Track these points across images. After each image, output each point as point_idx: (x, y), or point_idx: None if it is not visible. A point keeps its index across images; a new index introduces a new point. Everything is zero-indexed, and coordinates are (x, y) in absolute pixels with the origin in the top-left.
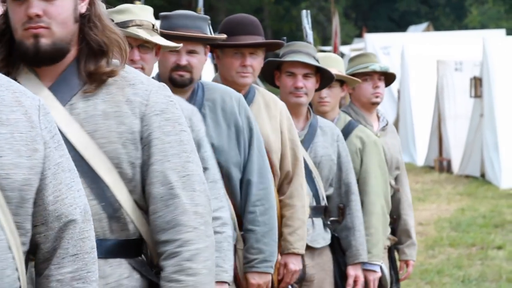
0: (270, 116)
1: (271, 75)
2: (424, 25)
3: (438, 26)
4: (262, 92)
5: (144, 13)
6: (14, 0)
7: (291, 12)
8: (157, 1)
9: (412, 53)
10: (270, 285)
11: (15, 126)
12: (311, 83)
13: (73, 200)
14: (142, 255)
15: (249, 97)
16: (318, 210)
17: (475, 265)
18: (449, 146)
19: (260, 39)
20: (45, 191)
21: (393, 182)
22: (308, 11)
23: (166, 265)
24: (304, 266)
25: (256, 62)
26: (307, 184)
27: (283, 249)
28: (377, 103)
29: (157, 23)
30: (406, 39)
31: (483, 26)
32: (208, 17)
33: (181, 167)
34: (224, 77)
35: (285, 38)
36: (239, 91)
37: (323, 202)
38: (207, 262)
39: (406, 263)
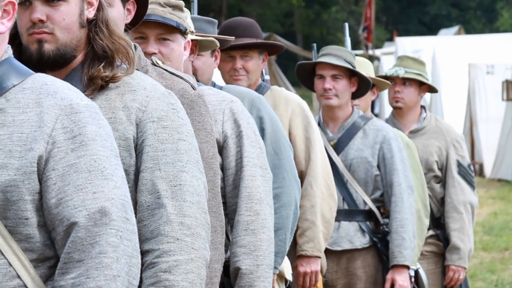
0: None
1: (309, 80)
2: (455, 28)
3: (469, 29)
4: (276, 93)
5: None
6: (20, 5)
7: (322, 16)
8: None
9: (443, 56)
10: (275, 284)
11: (19, 126)
12: (341, 85)
13: (80, 202)
14: None
15: None
16: (352, 214)
17: (508, 269)
18: (481, 149)
19: (252, 41)
20: (47, 194)
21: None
22: (346, 24)
23: (144, 276)
24: (321, 269)
25: (250, 64)
26: (338, 187)
27: (296, 252)
28: (398, 108)
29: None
30: (437, 43)
31: None
32: (214, 20)
33: (173, 176)
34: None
35: (314, 44)
36: None
37: (363, 206)
38: (188, 274)
39: (447, 268)
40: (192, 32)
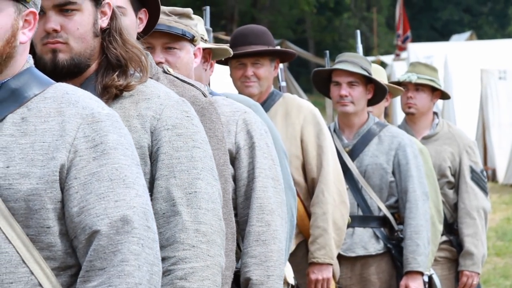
0: (287, 124)
1: (325, 87)
2: (467, 34)
3: (481, 34)
4: (288, 100)
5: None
6: None
7: (334, 23)
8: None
9: (456, 62)
10: None
11: (41, 135)
12: (357, 92)
13: (102, 211)
14: None
15: (265, 106)
16: (366, 220)
17: None
18: (493, 155)
19: (263, 48)
20: (69, 203)
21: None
22: (358, 31)
23: (161, 283)
24: (334, 276)
25: (261, 71)
26: (352, 194)
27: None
28: (411, 114)
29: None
30: (449, 48)
31: None
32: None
33: (188, 184)
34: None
35: (327, 51)
36: None
37: (378, 212)
38: (204, 281)
39: (461, 273)
40: (205, 40)
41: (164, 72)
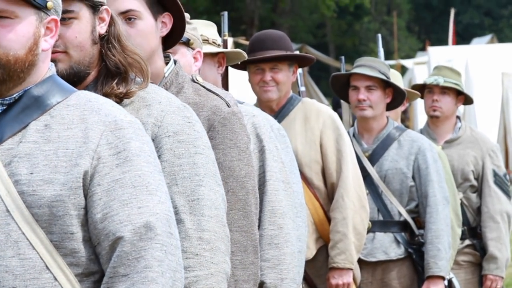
0: (306, 129)
1: (344, 91)
2: (488, 37)
3: (502, 38)
4: (307, 105)
5: (207, 28)
6: None
7: (354, 27)
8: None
9: (476, 65)
10: None
11: (64, 142)
12: (375, 96)
13: (126, 217)
14: None
15: (283, 111)
16: (387, 225)
17: None
18: None
19: (281, 53)
20: (93, 209)
21: (461, 195)
22: (379, 35)
23: None
24: (355, 280)
25: (279, 76)
26: (372, 198)
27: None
28: (435, 117)
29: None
30: (470, 52)
31: None
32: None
33: (190, 191)
34: (254, 94)
35: (342, 57)
36: (269, 106)
37: (398, 217)
38: None
39: (484, 277)
40: (218, 45)
41: (192, 80)
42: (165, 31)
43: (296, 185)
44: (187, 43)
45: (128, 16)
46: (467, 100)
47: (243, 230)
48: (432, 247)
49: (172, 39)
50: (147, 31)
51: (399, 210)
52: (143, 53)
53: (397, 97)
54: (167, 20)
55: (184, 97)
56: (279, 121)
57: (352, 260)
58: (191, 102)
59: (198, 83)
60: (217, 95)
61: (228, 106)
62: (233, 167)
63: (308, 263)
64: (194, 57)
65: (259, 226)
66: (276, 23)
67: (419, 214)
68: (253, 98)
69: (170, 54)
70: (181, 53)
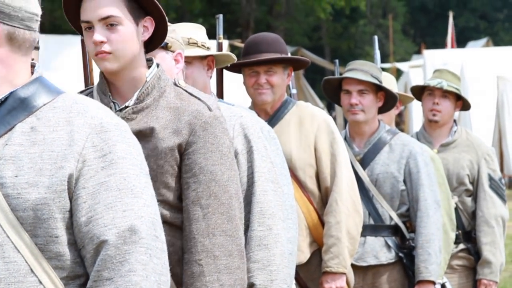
0: (300, 132)
1: (336, 95)
2: (483, 40)
3: (497, 41)
4: (301, 108)
5: (195, 31)
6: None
7: (349, 30)
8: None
9: (472, 69)
10: None
11: (50, 145)
12: (367, 100)
13: (110, 221)
14: None
15: (278, 114)
16: (377, 229)
17: None
18: (510, 162)
19: (276, 56)
20: (78, 212)
21: (456, 199)
22: (375, 37)
23: None
24: (349, 284)
25: (274, 78)
26: (363, 202)
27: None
28: (434, 121)
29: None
30: (465, 55)
31: None
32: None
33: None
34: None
35: (336, 60)
36: (264, 109)
37: (389, 221)
38: None
39: (479, 282)
40: (207, 47)
41: (175, 84)
42: (147, 35)
43: (287, 187)
44: (165, 47)
45: (109, 22)
46: (465, 106)
47: (227, 235)
48: (423, 252)
49: (154, 42)
50: (128, 36)
51: (390, 214)
52: (125, 58)
53: (389, 101)
54: (149, 24)
55: (165, 101)
56: (274, 124)
57: (345, 264)
58: (172, 106)
59: (180, 87)
60: (199, 99)
61: (210, 110)
62: (215, 171)
63: (302, 267)
64: (175, 59)
65: (248, 228)
66: (272, 25)
67: (410, 218)
68: (248, 101)
69: (153, 58)
70: (160, 57)
